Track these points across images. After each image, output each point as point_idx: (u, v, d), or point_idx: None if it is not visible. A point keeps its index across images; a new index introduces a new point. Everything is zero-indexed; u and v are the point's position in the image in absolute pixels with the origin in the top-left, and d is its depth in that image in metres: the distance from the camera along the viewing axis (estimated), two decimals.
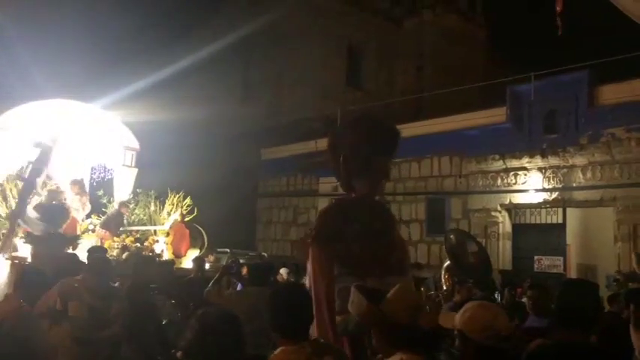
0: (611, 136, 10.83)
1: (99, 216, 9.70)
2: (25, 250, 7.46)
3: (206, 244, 9.59)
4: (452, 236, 9.83)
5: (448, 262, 8.53)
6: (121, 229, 9.27)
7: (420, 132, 13.70)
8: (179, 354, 2.69)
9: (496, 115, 12.39)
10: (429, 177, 13.82)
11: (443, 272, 8.15)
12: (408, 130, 14.48)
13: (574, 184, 11.34)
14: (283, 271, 9.27)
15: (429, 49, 20.64)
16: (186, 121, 17.41)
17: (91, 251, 6.46)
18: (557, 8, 4.87)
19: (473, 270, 8.22)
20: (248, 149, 18.37)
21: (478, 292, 7.36)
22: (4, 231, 7.49)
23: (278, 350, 2.49)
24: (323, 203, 16.61)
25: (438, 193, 13.68)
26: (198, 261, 7.68)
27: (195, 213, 10.04)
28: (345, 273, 3.28)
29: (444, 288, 7.90)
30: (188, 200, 10.11)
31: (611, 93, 10.93)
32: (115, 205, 9.68)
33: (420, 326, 2.36)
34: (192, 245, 9.39)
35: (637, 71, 10.51)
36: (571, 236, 12.38)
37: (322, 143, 17.71)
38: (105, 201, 10.11)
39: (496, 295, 8.52)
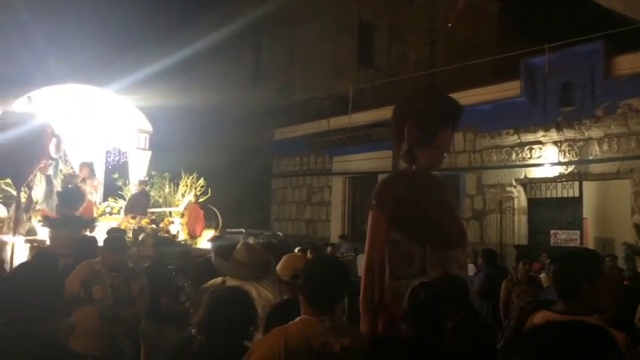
0: (628, 107, 10.63)
1: (115, 199, 9.82)
2: (43, 233, 7.60)
3: (220, 224, 9.67)
4: None
5: None
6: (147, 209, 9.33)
7: None
8: (193, 331, 2.76)
9: (510, 88, 12.23)
10: None
11: None
12: None
13: (590, 157, 11.20)
14: (297, 250, 9.32)
15: (442, 24, 20.33)
16: (198, 104, 17.49)
17: (110, 232, 6.61)
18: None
19: None
20: (261, 130, 18.40)
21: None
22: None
23: (297, 319, 2.44)
24: (337, 182, 16.66)
25: (451, 169, 13.62)
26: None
27: (209, 194, 10.13)
28: (405, 239, 3.22)
29: None
30: (202, 181, 10.19)
31: (628, 63, 10.71)
32: (133, 188, 9.76)
33: None
34: (207, 226, 9.49)
35: None
36: (588, 209, 12.27)
37: (335, 122, 17.59)
38: (120, 184, 10.24)
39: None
